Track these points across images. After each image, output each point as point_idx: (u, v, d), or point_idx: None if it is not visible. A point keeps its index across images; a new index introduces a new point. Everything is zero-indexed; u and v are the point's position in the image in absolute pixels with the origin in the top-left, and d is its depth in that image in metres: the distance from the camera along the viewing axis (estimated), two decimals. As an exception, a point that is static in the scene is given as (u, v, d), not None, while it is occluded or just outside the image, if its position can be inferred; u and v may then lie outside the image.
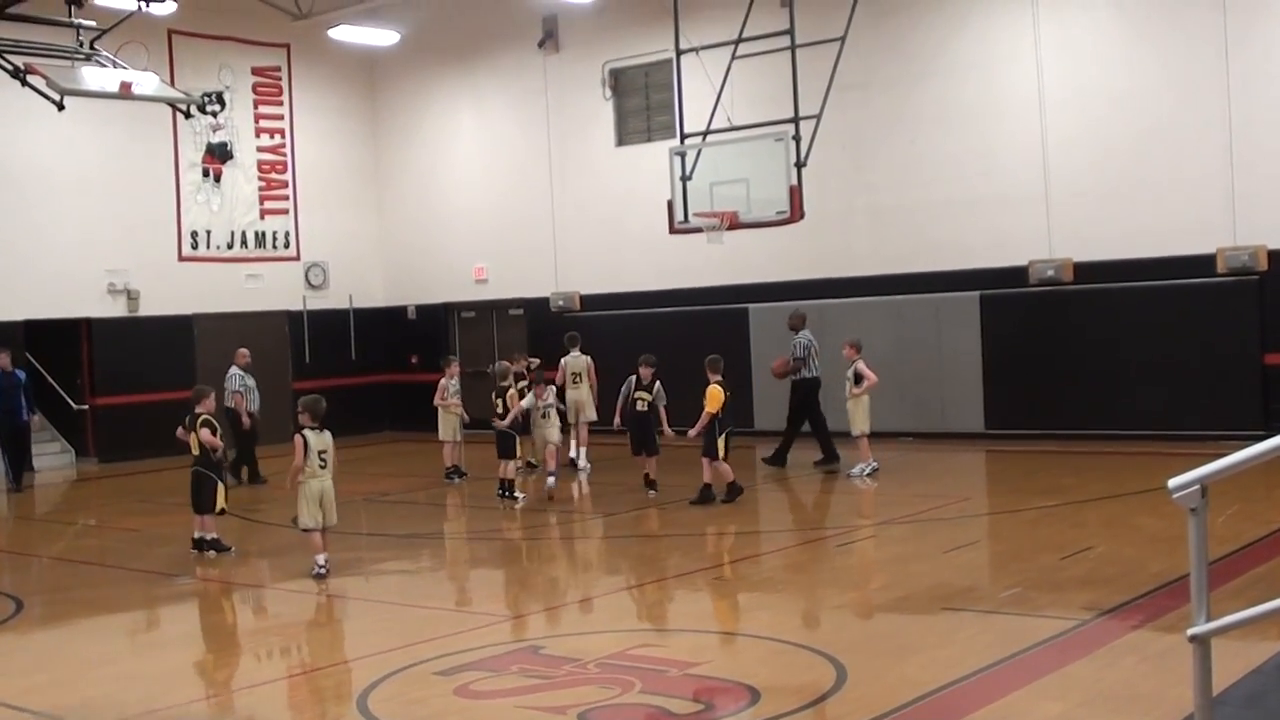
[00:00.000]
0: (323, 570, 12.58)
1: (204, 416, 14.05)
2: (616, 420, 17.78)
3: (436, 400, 19.64)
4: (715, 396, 15.77)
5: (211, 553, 13.92)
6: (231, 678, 9.69)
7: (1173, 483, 5.03)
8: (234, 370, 20.50)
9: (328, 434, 12.73)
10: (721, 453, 15.77)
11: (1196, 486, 4.94)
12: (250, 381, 20.51)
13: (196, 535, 14.08)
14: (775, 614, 10.76)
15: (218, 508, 13.98)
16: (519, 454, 17.48)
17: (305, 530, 12.71)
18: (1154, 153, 19.88)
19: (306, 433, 12.62)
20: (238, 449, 20.00)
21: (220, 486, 14.01)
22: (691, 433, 15.94)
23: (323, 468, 12.61)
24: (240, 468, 20.12)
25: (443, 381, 19.69)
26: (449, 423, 19.51)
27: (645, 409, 16.62)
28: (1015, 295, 21.10)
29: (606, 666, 8.71)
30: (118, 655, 10.37)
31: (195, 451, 14.05)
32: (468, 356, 25.85)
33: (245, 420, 20.07)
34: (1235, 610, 5.42)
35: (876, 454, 18.30)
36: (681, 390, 17.04)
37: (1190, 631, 5.14)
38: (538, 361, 20.73)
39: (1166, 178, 19.75)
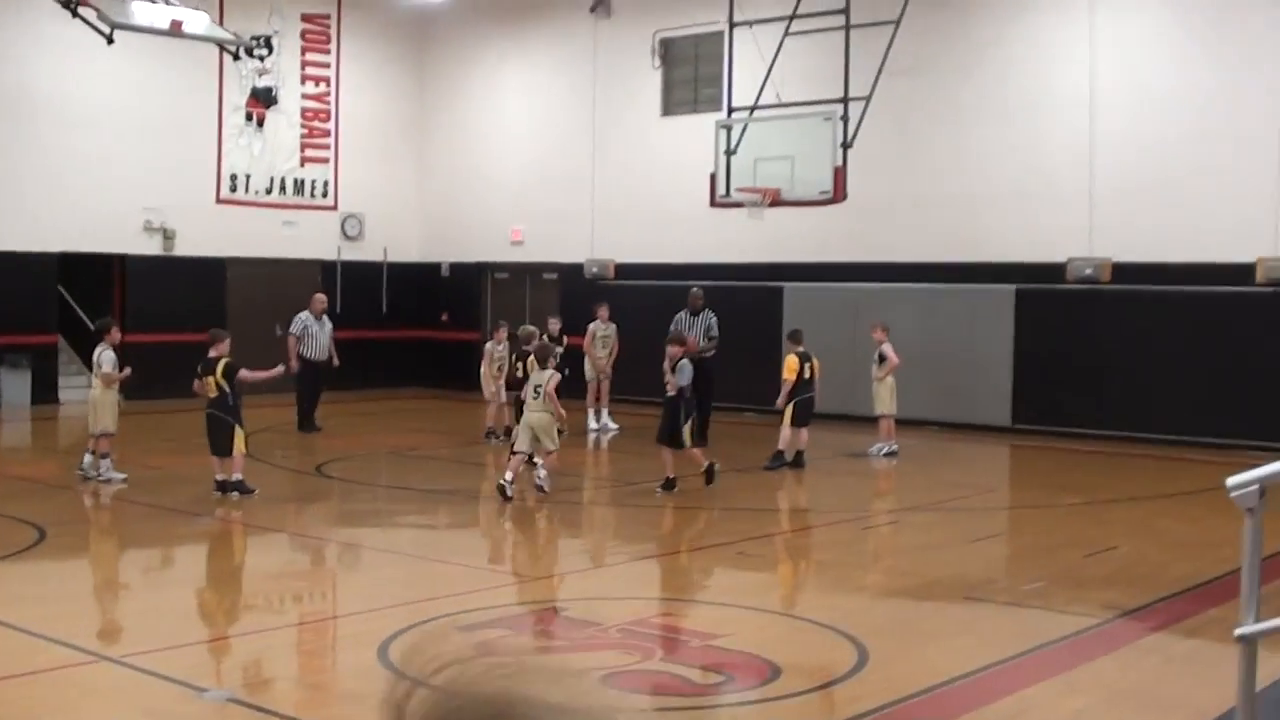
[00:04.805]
0: (504, 483, 13.85)
1: (224, 360, 14.06)
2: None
3: (484, 367, 19.54)
4: (790, 365, 16.64)
5: (235, 494, 13.92)
6: (252, 620, 9.71)
7: (1231, 481, 4.99)
8: (300, 314, 20.41)
9: (546, 372, 14.25)
10: (788, 418, 16.57)
11: (1256, 486, 4.90)
12: (316, 328, 20.30)
13: (219, 478, 14.05)
14: (798, 592, 10.76)
15: (235, 451, 13.96)
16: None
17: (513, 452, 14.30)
18: (1202, 157, 19.68)
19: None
20: (297, 394, 20.04)
21: (237, 430, 14.00)
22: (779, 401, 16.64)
23: (535, 397, 14.20)
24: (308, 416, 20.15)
25: (489, 345, 19.63)
26: (493, 383, 19.32)
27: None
28: (1051, 292, 20.95)
29: (628, 632, 8.70)
30: (136, 589, 10.41)
31: (212, 394, 14.07)
32: (499, 318, 25.76)
33: (293, 364, 19.72)
34: (1268, 615, 5.36)
35: (901, 440, 18.32)
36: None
37: (1238, 631, 5.09)
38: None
39: (1213, 183, 19.55)
